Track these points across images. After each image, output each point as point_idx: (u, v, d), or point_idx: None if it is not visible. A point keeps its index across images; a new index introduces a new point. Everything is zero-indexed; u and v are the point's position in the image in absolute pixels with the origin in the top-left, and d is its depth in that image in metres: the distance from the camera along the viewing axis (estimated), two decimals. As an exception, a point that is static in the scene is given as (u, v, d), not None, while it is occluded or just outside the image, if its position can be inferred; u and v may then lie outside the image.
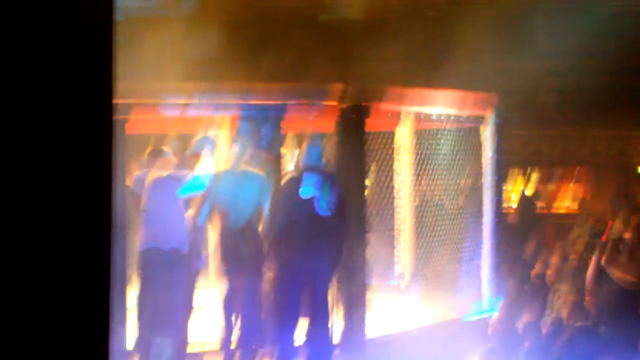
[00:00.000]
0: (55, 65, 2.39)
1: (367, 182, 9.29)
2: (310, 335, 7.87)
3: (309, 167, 7.72)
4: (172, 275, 7.43)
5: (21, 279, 2.37)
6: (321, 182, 7.58)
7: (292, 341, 7.74)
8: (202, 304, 8.83)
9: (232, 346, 7.73)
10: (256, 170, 7.73)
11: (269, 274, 7.97)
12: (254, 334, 7.78)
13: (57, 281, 2.43)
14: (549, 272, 11.81)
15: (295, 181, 7.65)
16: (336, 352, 8.43)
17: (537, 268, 11.84)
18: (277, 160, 8.62)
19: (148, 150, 7.87)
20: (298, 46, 13.37)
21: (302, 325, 7.91)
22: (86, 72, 2.44)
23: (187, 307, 7.65)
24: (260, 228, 7.66)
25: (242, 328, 7.64)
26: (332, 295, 8.59)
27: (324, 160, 7.92)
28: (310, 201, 7.53)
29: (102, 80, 2.47)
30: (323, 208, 7.51)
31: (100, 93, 2.47)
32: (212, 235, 7.89)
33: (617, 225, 13.98)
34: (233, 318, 7.53)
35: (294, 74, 12.17)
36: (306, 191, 7.53)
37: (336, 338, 8.53)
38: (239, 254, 7.37)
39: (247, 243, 7.46)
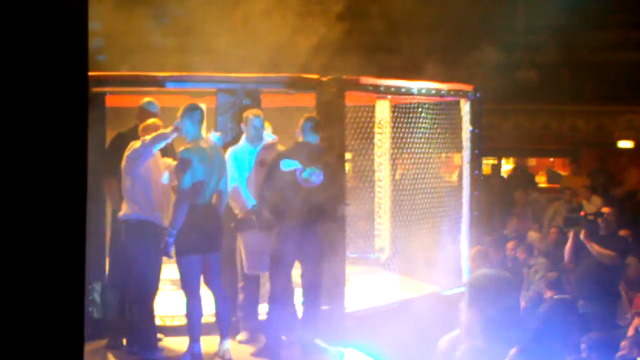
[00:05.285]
0: (28, 35, 2.36)
1: (347, 155, 9.27)
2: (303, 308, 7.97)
3: (302, 142, 7.78)
4: (146, 246, 7.42)
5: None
6: (305, 156, 7.63)
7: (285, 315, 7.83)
8: (168, 278, 8.85)
9: (203, 320, 7.72)
10: (218, 147, 7.73)
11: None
12: (231, 308, 7.81)
13: (31, 253, 2.41)
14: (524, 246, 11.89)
15: (279, 156, 7.70)
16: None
17: (513, 242, 11.90)
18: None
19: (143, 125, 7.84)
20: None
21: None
22: (59, 43, 2.41)
23: (157, 280, 7.66)
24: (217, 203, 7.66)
25: (218, 303, 7.64)
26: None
27: (318, 136, 7.92)
28: (292, 174, 7.57)
29: (76, 52, 2.44)
30: (304, 180, 7.55)
31: (74, 65, 2.44)
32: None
33: (596, 199, 14.08)
34: (197, 293, 7.52)
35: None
36: (286, 164, 7.57)
37: (315, 311, 8.55)
38: (203, 230, 7.36)
39: (211, 218, 7.47)
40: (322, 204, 7.76)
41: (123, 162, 7.52)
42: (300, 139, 7.85)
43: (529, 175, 18.89)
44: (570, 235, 10.23)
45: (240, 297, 8.25)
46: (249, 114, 8.11)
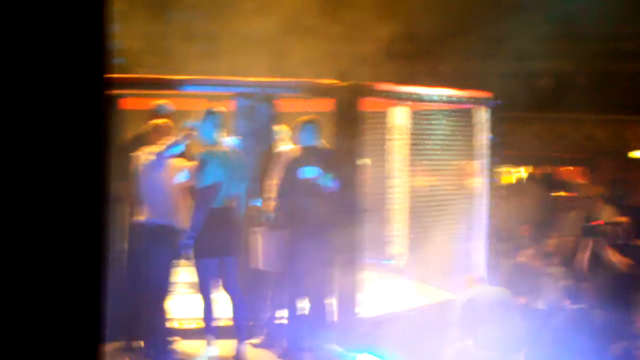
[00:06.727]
0: (47, 36, 2.36)
1: (365, 160, 9.25)
2: (308, 312, 7.97)
3: (307, 147, 7.80)
4: (163, 250, 7.43)
5: (10, 254, 2.35)
6: (321, 161, 7.67)
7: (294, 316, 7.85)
8: (184, 281, 8.86)
9: (220, 323, 7.74)
10: (236, 151, 7.76)
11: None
12: (248, 311, 7.82)
13: (48, 256, 2.41)
14: (544, 255, 11.83)
15: (296, 162, 7.72)
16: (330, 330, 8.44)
17: (531, 250, 11.86)
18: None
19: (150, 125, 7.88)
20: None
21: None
22: (79, 45, 2.41)
23: (170, 284, 7.69)
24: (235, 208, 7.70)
25: (235, 306, 7.66)
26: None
27: (320, 139, 7.97)
28: (313, 180, 7.62)
29: (95, 54, 2.44)
30: (327, 185, 7.62)
31: (93, 67, 2.44)
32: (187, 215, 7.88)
33: (610, 209, 14.01)
34: (213, 296, 7.55)
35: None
36: (308, 172, 7.62)
37: (330, 316, 8.54)
38: (220, 233, 7.39)
39: (228, 222, 7.49)
40: (339, 210, 7.78)
41: (138, 167, 7.54)
42: (301, 143, 7.87)
43: (559, 181, 18.70)
44: (588, 244, 10.18)
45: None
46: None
